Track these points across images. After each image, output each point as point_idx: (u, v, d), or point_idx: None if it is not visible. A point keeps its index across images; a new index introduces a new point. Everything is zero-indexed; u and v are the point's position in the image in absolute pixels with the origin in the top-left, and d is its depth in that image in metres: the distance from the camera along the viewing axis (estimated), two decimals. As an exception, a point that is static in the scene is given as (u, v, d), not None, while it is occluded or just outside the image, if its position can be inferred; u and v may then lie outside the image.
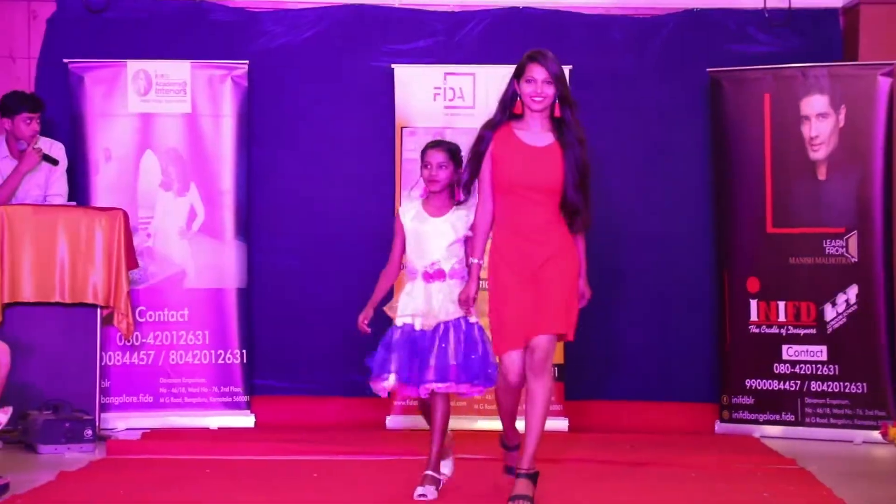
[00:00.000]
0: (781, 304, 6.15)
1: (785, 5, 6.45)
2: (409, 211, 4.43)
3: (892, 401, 5.95)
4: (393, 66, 6.74)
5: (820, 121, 6.05)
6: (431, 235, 4.33)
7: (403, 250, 4.46)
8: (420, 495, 4.20)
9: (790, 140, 6.08)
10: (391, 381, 4.22)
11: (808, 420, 6.09)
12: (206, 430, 6.03)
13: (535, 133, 4.15)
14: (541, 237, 4.12)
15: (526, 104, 4.10)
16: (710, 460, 5.41)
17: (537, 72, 4.05)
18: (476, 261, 4.25)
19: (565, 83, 4.15)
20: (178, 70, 6.32)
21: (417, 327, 4.26)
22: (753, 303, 6.17)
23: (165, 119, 6.37)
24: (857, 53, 6.32)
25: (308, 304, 6.65)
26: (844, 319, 6.06)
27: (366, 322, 4.32)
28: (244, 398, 6.35)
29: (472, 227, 4.31)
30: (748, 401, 6.18)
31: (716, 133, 6.34)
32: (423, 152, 4.42)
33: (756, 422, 6.14)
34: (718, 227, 6.36)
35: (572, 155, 4.06)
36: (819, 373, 6.12)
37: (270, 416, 6.40)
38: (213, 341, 6.48)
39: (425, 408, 4.48)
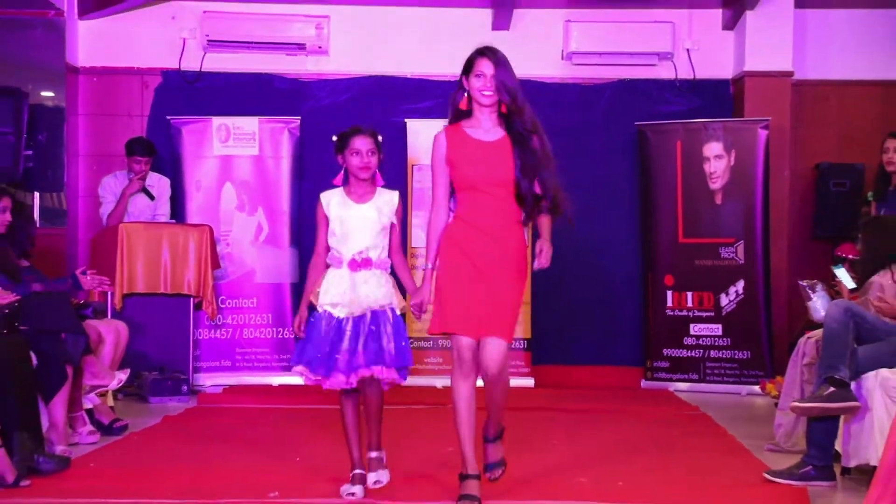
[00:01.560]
0: (689, 294, 6.11)
1: (691, 77, 6.41)
2: (332, 198, 3.34)
3: (768, 364, 5.94)
4: (406, 120, 6.67)
5: (717, 161, 6.01)
6: (357, 222, 3.29)
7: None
8: (349, 494, 3.19)
9: (695, 175, 6.04)
10: (300, 369, 3.23)
11: (708, 378, 6.07)
12: (269, 386, 6.00)
13: (486, 129, 3.22)
14: (498, 233, 3.17)
15: (475, 98, 3.18)
16: (638, 408, 5.42)
17: (485, 66, 3.14)
18: (429, 266, 3.23)
19: (514, 79, 3.18)
20: (249, 124, 6.27)
21: (341, 315, 3.21)
22: (669, 293, 6.11)
23: (240, 160, 6.32)
24: (742, 112, 6.26)
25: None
26: (734, 305, 6.04)
27: (302, 327, 3.26)
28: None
29: (427, 232, 3.31)
30: (665, 364, 6.14)
31: (642, 169, 6.29)
32: (348, 140, 3.30)
33: (670, 380, 6.10)
34: (644, 238, 6.31)
35: (523, 147, 3.16)
36: (716, 344, 6.10)
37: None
38: (273, 321, 6.46)
39: (348, 402, 3.32)
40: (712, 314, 6.12)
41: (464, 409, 3.10)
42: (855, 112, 6.46)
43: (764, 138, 5.98)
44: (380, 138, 3.32)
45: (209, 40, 6.52)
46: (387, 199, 3.33)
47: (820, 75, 6.49)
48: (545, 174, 3.14)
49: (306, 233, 6.84)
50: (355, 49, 6.80)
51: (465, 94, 3.17)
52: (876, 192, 5.12)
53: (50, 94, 6.01)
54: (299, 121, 6.65)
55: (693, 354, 6.09)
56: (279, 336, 6.39)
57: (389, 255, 3.32)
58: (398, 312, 3.28)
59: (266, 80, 6.75)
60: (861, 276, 4.49)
